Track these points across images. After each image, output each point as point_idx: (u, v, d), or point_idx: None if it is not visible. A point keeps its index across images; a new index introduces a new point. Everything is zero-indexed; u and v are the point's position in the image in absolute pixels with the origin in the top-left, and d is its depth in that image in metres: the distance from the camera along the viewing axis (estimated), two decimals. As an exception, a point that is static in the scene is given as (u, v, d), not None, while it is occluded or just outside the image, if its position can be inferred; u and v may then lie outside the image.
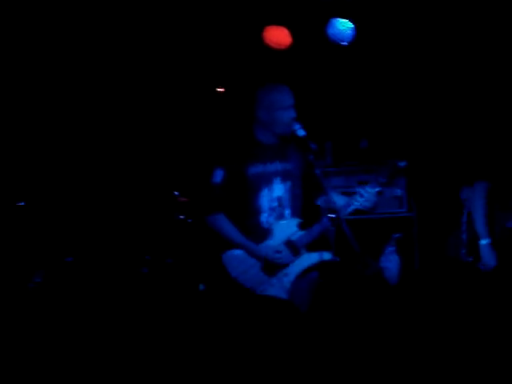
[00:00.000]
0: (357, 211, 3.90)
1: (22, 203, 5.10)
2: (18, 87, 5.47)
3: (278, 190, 3.95)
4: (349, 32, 5.58)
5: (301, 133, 3.84)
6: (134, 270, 5.32)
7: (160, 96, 5.96)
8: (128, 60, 5.60)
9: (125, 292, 5.10)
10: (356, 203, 3.87)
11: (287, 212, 3.95)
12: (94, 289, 5.16)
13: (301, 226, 3.91)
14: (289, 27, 5.62)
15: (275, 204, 3.93)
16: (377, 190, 3.86)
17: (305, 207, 4.05)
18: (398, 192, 5.42)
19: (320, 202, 4.00)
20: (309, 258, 3.89)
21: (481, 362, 3.85)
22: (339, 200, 3.85)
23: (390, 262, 4.34)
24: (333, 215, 3.75)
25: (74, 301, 4.97)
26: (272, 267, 3.83)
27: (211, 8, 5.39)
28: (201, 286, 5.18)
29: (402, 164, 3.95)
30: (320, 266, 3.89)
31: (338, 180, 5.71)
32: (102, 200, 5.76)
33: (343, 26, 5.57)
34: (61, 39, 5.33)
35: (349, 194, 3.93)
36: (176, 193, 5.59)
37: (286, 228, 3.90)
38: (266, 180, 3.93)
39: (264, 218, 3.91)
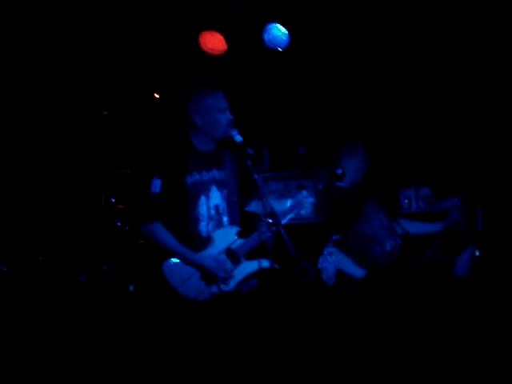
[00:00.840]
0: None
1: None
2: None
3: (216, 197, 3.94)
4: (284, 38, 5.61)
5: (238, 138, 3.83)
6: (71, 278, 5.23)
7: (95, 101, 5.87)
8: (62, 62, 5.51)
9: (61, 300, 5.01)
10: (296, 211, 3.90)
11: (225, 220, 3.95)
12: (30, 297, 5.05)
13: (240, 234, 3.91)
14: (224, 33, 5.61)
15: (213, 212, 3.92)
16: (313, 200, 3.91)
17: (243, 214, 4.05)
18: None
19: (258, 207, 4.00)
20: (248, 266, 3.89)
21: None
22: (278, 205, 3.86)
23: (329, 264, 4.38)
24: (270, 221, 3.74)
25: (9, 310, 4.85)
26: (211, 276, 3.81)
27: (148, 12, 5.35)
28: (131, 287, 5.11)
29: (339, 171, 3.99)
30: (259, 273, 3.89)
31: (277, 185, 5.72)
32: (36, 206, 5.64)
33: (279, 31, 5.59)
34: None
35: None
36: (113, 200, 5.52)
37: (225, 236, 3.89)
38: (204, 188, 3.91)
39: (203, 226, 3.89)
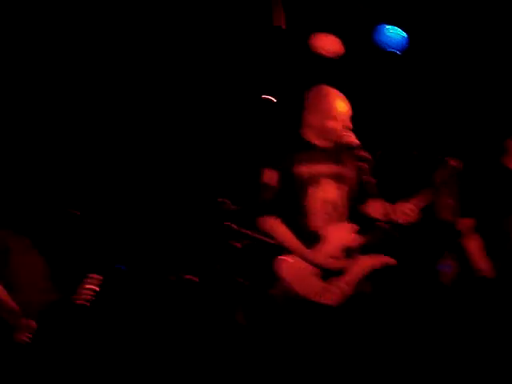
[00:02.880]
0: None
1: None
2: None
3: (332, 192, 3.87)
4: (399, 39, 5.51)
5: (353, 142, 3.78)
6: (184, 279, 5.29)
7: (211, 100, 5.95)
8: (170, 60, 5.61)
9: (178, 300, 5.06)
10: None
11: (341, 216, 3.88)
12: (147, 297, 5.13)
13: (356, 231, 3.84)
14: (339, 35, 5.58)
15: (329, 207, 3.86)
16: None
17: (358, 213, 3.99)
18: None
19: (372, 209, 3.94)
20: (366, 263, 3.82)
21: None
22: (389, 209, 3.78)
23: (448, 267, 4.27)
24: (386, 222, 3.69)
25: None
26: (328, 274, 3.76)
27: (262, 16, 5.38)
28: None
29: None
30: (378, 271, 3.81)
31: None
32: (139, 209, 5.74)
33: (394, 33, 5.50)
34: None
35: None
36: (224, 200, 5.56)
37: (341, 233, 3.83)
38: (321, 182, 3.84)
39: (317, 221, 3.83)
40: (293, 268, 3.74)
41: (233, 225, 5.34)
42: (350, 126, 3.86)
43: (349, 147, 3.81)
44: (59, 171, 5.38)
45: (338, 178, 3.88)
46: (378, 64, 5.74)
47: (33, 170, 5.04)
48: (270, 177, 3.81)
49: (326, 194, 3.84)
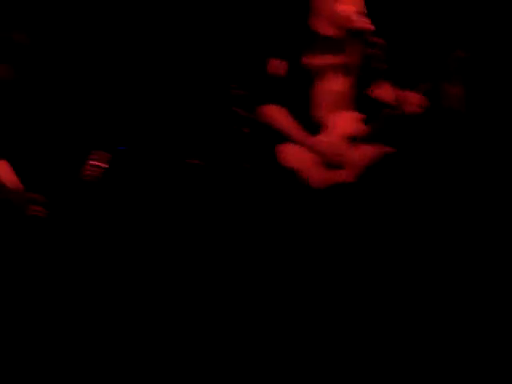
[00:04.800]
0: None
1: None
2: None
3: (340, 83, 3.87)
4: None
5: (366, 25, 3.73)
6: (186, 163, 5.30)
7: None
8: None
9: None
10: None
11: (347, 105, 3.88)
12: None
13: (361, 120, 3.86)
14: None
15: (335, 98, 3.86)
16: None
17: (364, 100, 3.98)
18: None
19: (381, 92, 3.92)
20: (371, 151, 3.84)
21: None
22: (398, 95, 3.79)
23: None
24: (391, 108, 3.70)
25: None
26: (331, 161, 3.80)
27: None
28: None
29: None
30: (384, 158, 3.84)
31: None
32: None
33: None
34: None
35: None
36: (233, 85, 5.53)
37: (346, 121, 3.84)
38: (326, 72, 3.84)
39: (322, 111, 3.85)
40: (295, 155, 3.79)
41: (240, 110, 5.34)
42: (364, 10, 3.80)
43: (360, 34, 3.77)
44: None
45: (345, 68, 3.87)
46: None
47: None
48: (277, 67, 3.80)
49: (333, 86, 3.85)
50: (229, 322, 3.61)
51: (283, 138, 3.80)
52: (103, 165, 3.97)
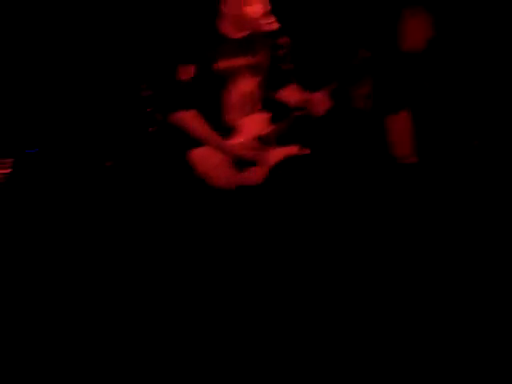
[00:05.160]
0: None
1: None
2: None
3: (249, 84, 3.87)
4: None
5: (273, 26, 3.74)
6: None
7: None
8: None
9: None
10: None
11: (256, 107, 3.90)
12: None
13: (270, 121, 3.88)
14: None
15: (245, 99, 3.87)
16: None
17: (273, 101, 4.00)
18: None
19: (287, 95, 3.95)
20: (280, 152, 3.87)
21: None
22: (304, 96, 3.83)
23: None
24: (300, 109, 3.73)
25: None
26: (243, 163, 3.81)
27: None
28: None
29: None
30: (291, 159, 3.88)
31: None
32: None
33: None
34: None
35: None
36: (143, 85, 5.47)
37: (256, 123, 3.86)
38: (235, 74, 3.83)
39: (233, 113, 3.84)
40: (206, 159, 3.78)
41: (149, 110, 5.30)
42: (269, 8, 3.77)
43: (268, 35, 3.78)
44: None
45: (254, 69, 3.87)
46: None
47: None
48: (186, 72, 3.75)
49: (243, 87, 3.84)
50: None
51: (195, 141, 3.79)
52: (7, 170, 3.88)
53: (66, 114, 5.36)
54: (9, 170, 3.89)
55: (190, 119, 3.78)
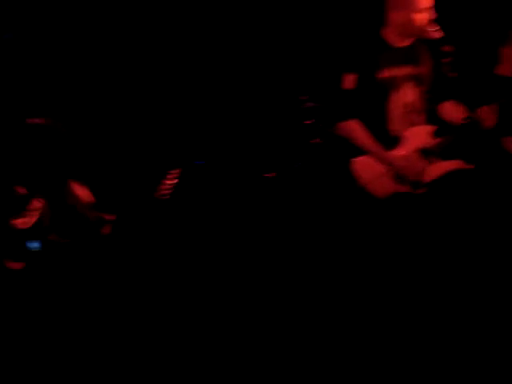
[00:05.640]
0: None
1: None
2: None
3: (412, 95, 3.81)
4: None
5: (438, 34, 3.68)
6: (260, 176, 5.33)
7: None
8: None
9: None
10: None
11: (420, 118, 3.83)
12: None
13: (434, 133, 3.80)
14: None
15: (408, 110, 3.82)
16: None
17: (437, 113, 3.92)
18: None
19: (451, 108, 3.86)
20: (442, 167, 3.78)
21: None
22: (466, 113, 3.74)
23: None
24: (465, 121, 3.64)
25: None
26: (404, 176, 3.76)
27: None
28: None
29: None
30: (455, 174, 3.77)
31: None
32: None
33: None
34: None
35: None
36: (304, 98, 5.51)
37: (420, 135, 3.80)
38: (398, 84, 3.79)
39: (397, 124, 3.80)
40: (369, 168, 3.78)
41: (313, 122, 5.34)
42: (435, 16, 3.72)
43: (432, 42, 3.73)
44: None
45: (417, 79, 3.82)
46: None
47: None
48: (351, 81, 3.78)
49: (406, 97, 3.80)
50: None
51: (359, 150, 3.80)
52: (174, 180, 4.02)
53: (227, 127, 5.52)
54: (176, 181, 4.04)
55: (354, 128, 3.80)
